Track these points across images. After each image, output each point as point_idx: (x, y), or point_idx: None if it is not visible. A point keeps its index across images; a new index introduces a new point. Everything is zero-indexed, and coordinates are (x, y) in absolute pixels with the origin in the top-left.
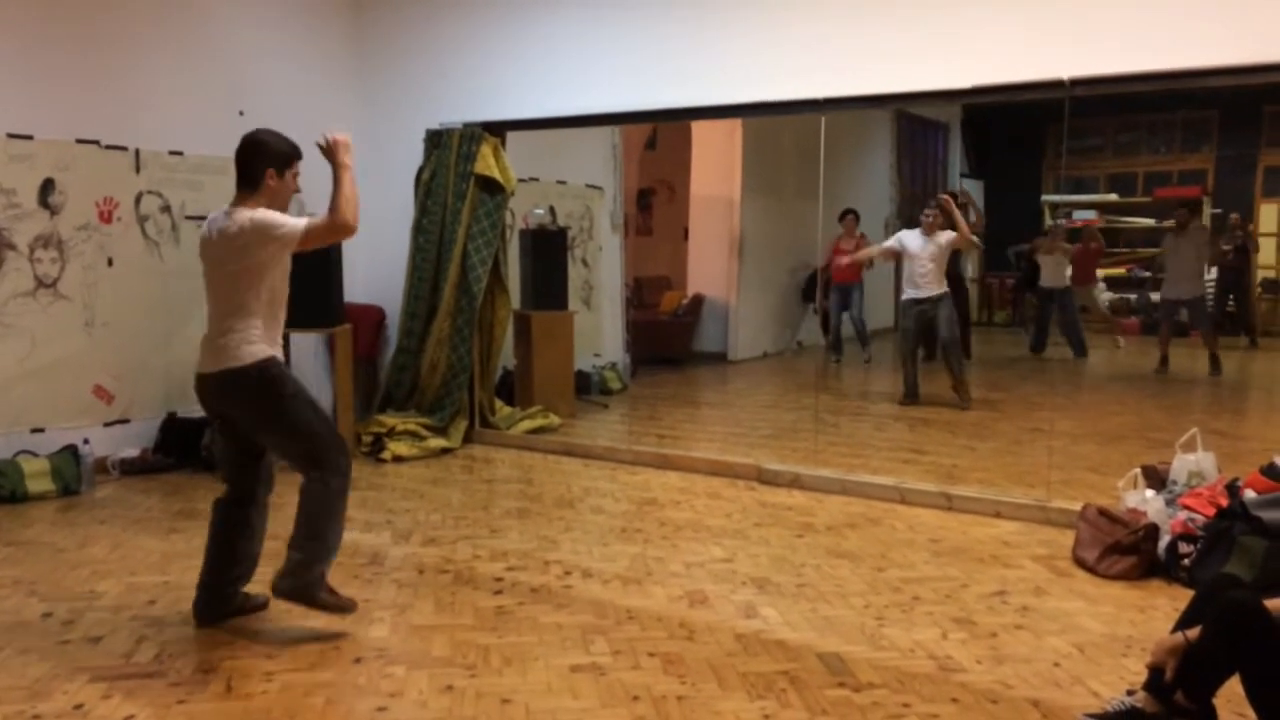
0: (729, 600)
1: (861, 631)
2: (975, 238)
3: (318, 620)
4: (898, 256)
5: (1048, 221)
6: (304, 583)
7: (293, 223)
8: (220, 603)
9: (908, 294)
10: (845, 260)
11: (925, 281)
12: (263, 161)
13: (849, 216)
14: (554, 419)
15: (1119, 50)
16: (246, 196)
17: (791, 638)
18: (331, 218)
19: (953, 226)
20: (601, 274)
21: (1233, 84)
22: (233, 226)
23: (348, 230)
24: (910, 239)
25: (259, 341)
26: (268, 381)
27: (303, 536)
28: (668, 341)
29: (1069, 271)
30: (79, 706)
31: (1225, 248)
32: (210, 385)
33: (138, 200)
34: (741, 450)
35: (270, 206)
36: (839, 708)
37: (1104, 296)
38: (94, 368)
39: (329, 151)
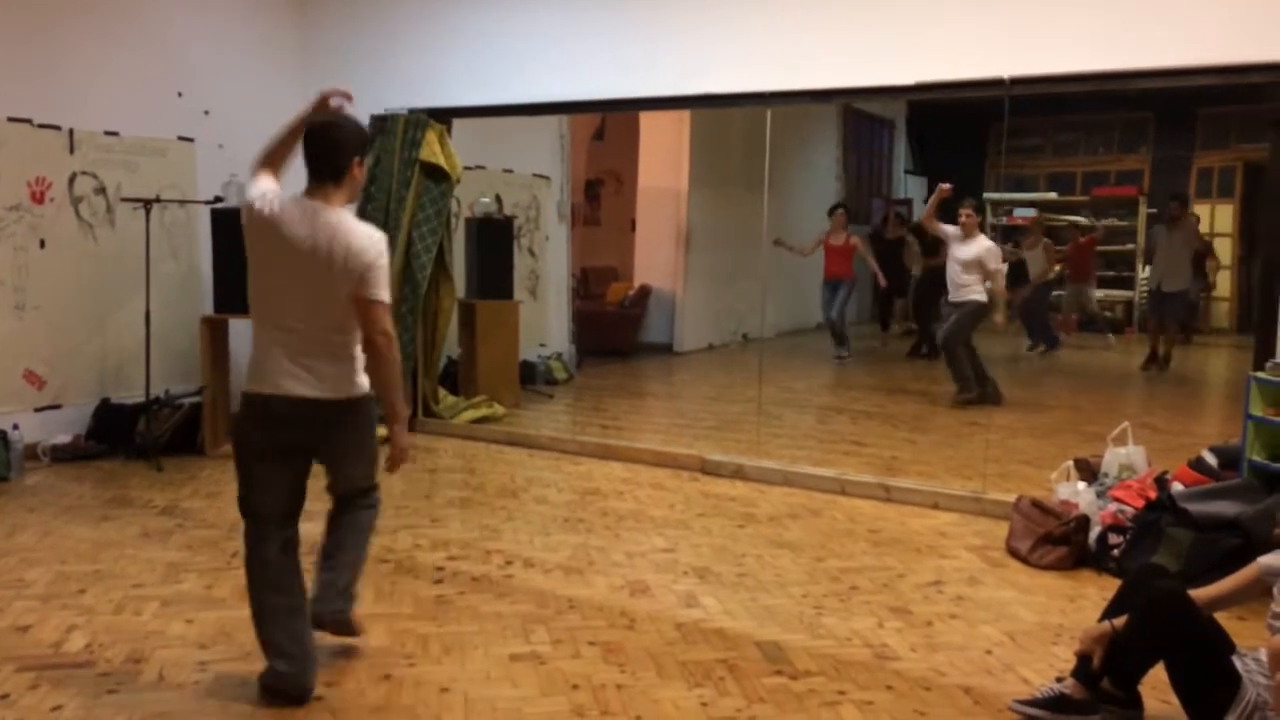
0: (670, 590)
1: (800, 620)
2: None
3: None
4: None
5: (989, 219)
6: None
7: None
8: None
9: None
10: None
11: (954, 288)
12: (351, 150)
13: (839, 211)
14: (498, 409)
15: (1058, 51)
16: (332, 190)
17: (731, 626)
18: (387, 350)
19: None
20: (548, 264)
21: (1168, 86)
22: (360, 246)
23: (382, 355)
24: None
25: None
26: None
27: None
28: (614, 332)
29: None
30: (5, 696)
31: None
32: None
33: (71, 181)
34: (685, 441)
35: (349, 198)
36: (776, 695)
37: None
38: (24, 352)
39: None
